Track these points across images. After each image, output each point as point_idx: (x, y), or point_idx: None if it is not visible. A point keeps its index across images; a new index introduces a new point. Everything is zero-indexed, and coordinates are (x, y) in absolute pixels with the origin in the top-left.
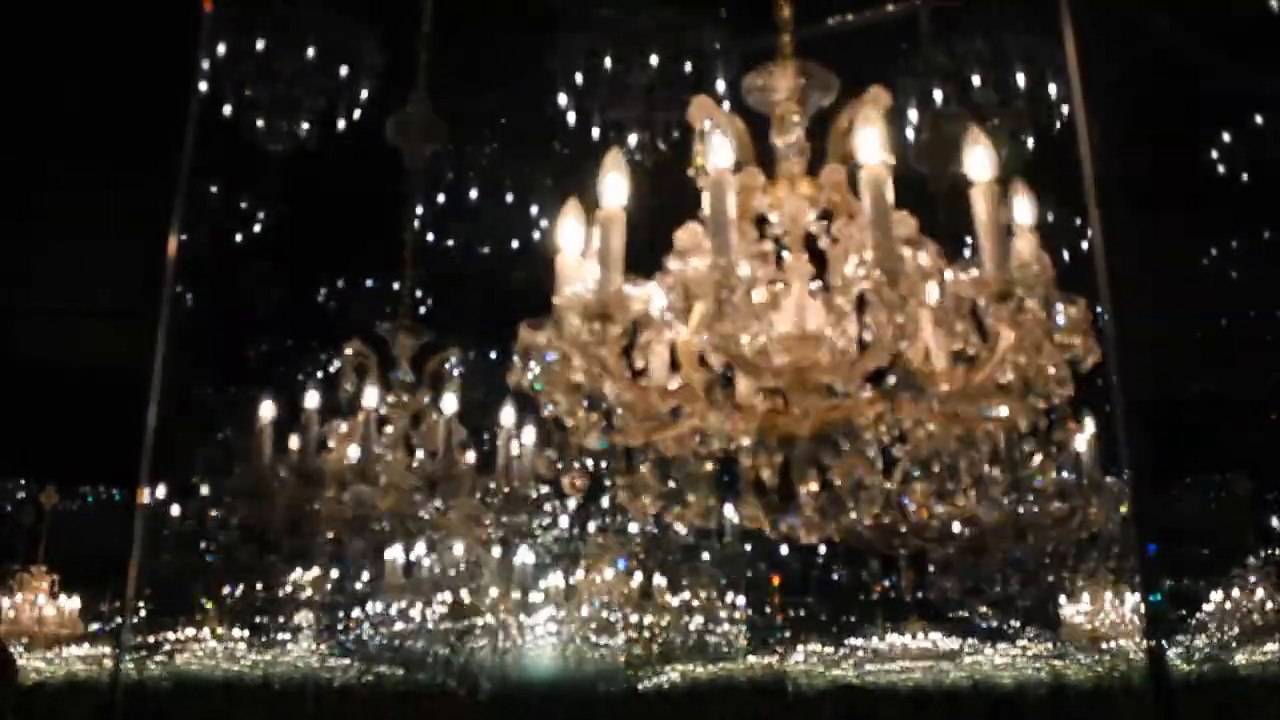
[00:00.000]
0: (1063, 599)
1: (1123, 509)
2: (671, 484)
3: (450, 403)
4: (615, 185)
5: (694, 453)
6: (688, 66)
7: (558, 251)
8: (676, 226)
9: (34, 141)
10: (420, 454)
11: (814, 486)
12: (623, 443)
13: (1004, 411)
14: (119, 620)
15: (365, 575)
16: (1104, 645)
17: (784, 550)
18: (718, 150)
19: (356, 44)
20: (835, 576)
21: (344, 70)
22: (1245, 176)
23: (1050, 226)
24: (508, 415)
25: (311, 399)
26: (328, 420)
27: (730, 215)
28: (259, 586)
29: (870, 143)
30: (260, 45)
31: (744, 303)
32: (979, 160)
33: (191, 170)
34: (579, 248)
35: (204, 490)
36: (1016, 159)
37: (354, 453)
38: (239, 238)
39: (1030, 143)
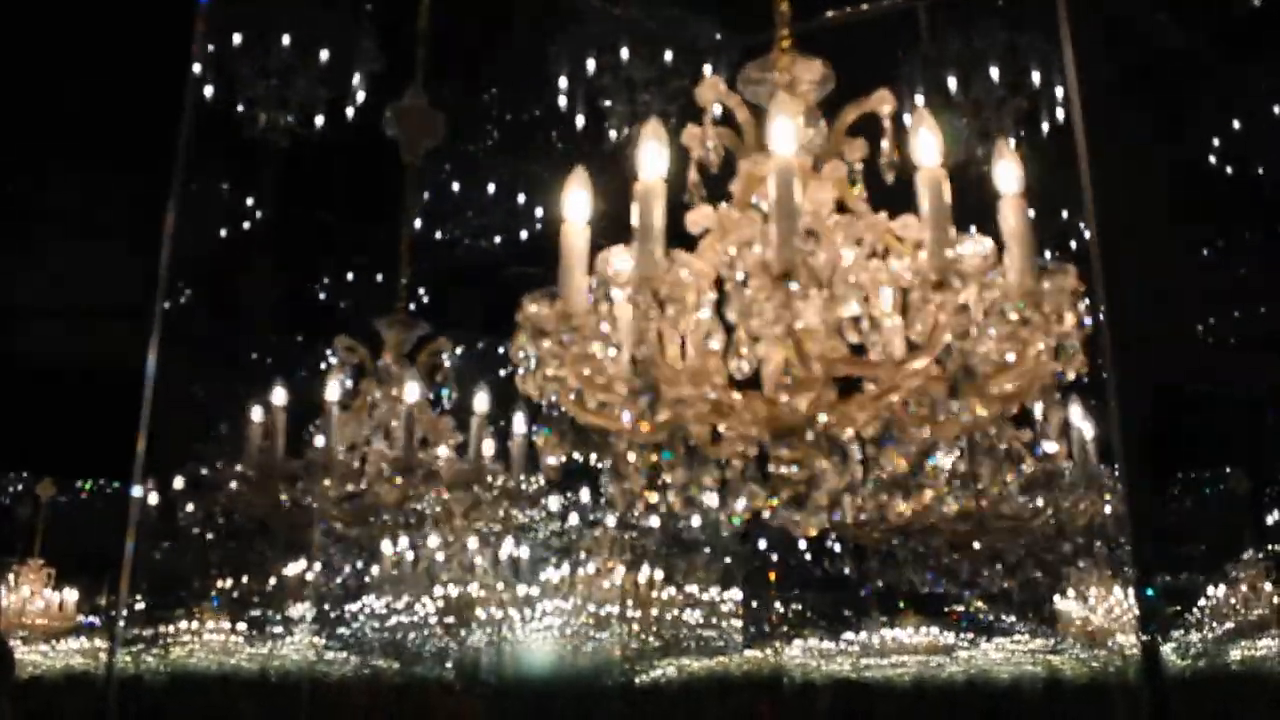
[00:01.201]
0: (1059, 594)
1: (1106, 502)
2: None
3: (412, 391)
4: (654, 155)
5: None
6: (685, 60)
7: (563, 221)
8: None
9: (30, 137)
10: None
11: (829, 481)
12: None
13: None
14: (114, 613)
15: (354, 568)
16: (1100, 640)
17: (780, 544)
18: (781, 136)
19: (354, 37)
20: (831, 571)
21: (341, 64)
22: (1245, 172)
23: (1047, 223)
24: (481, 402)
25: (332, 391)
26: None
27: (797, 202)
28: (253, 579)
29: (929, 146)
30: (257, 40)
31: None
32: (1006, 173)
33: (188, 166)
34: (585, 218)
35: (200, 483)
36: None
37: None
38: (236, 233)
39: (1028, 138)
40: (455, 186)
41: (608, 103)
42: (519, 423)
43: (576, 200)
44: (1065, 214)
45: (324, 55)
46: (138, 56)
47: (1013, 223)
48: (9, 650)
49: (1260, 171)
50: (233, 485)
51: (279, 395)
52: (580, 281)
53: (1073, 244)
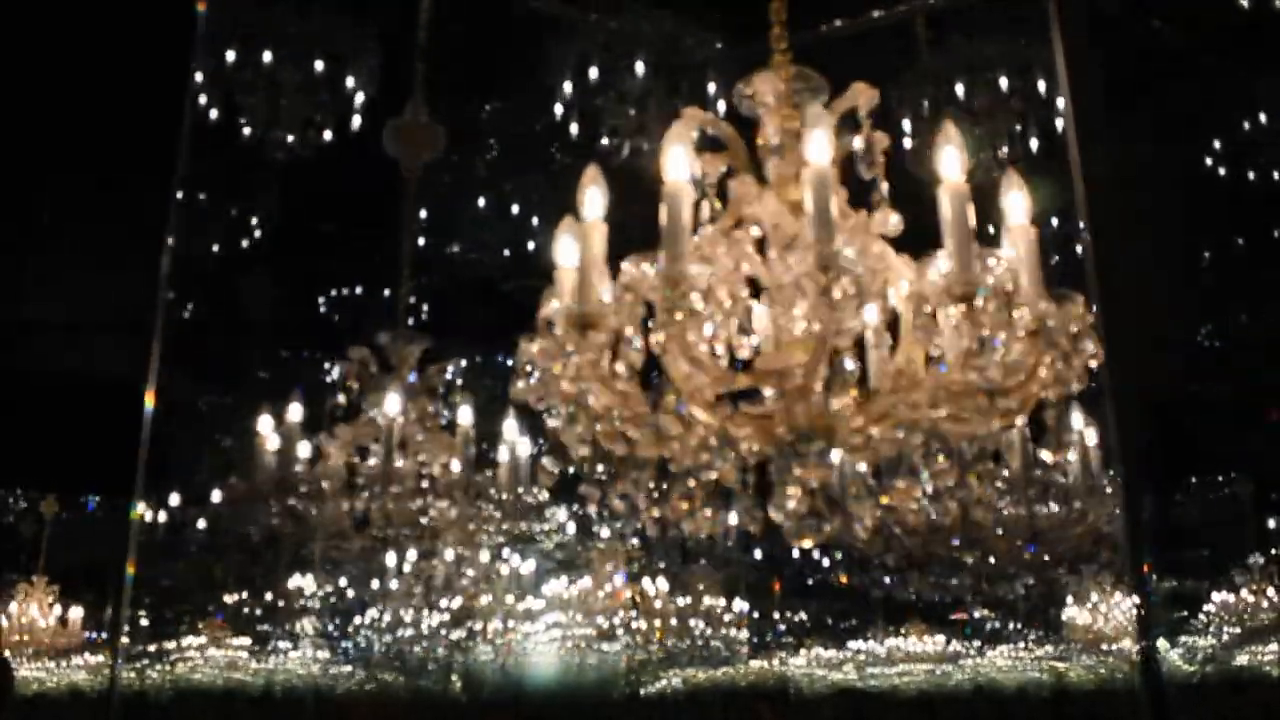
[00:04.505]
0: (1064, 601)
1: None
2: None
3: (310, 402)
4: (594, 199)
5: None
6: (682, 73)
7: (556, 267)
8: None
9: (32, 154)
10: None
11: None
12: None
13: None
14: (117, 629)
15: (358, 582)
16: (1106, 647)
17: (785, 554)
18: (817, 146)
19: (354, 54)
20: (836, 580)
21: (342, 80)
22: (1244, 177)
23: (1048, 228)
24: (392, 404)
25: (298, 408)
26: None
27: (834, 211)
28: (258, 594)
29: (819, 145)
30: (257, 56)
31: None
32: (948, 159)
33: (188, 181)
34: (575, 262)
35: (205, 499)
36: (1012, 161)
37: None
38: (238, 248)
39: (1026, 145)
40: (455, 200)
41: (608, 115)
42: (512, 432)
43: (677, 157)
44: (1059, 222)
45: (324, 71)
46: (139, 73)
47: (950, 212)
48: (7, 665)
49: (1259, 176)
50: (236, 501)
51: (267, 417)
52: (686, 245)
53: (1058, 255)
